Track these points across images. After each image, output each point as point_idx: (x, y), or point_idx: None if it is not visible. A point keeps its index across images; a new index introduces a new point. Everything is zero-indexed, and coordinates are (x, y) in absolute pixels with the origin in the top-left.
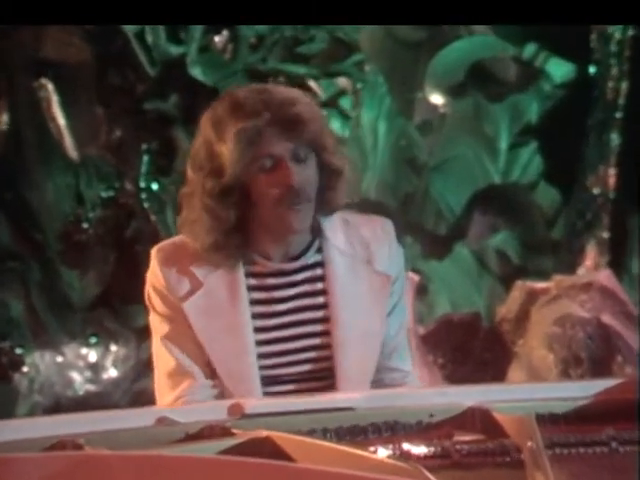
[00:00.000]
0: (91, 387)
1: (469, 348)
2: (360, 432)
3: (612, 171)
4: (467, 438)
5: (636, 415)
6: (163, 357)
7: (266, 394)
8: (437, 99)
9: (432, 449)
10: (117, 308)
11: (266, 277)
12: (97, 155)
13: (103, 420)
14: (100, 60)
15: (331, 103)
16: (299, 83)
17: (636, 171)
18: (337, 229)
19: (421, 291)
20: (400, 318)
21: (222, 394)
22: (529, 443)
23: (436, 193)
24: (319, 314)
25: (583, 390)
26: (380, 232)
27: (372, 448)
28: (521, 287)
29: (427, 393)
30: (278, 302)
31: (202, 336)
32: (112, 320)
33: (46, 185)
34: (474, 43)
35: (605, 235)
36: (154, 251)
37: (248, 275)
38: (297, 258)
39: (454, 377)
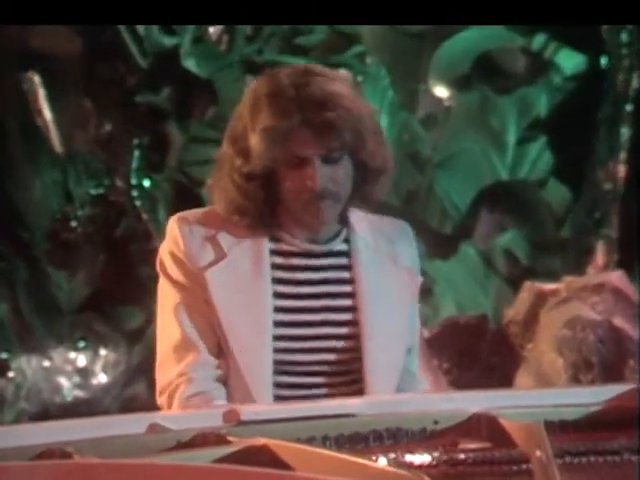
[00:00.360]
0: (80, 393)
1: (475, 352)
2: (361, 440)
3: (622, 167)
4: (473, 446)
5: (636, 423)
6: (170, 327)
7: (279, 384)
8: (442, 92)
9: (436, 457)
10: (107, 310)
11: (291, 256)
12: (86, 150)
13: (92, 427)
14: (89, 51)
15: None
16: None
17: None
18: (363, 223)
19: (425, 293)
20: (416, 319)
21: (226, 376)
22: (538, 452)
23: (441, 190)
24: (345, 302)
25: (594, 396)
26: (402, 232)
27: (374, 456)
28: (530, 288)
29: (431, 399)
30: (302, 284)
31: (220, 308)
32: (102, 323)
33: (33, 182)
34: (480, 33)
35: (614, 234)
36: (175, 218)
37: (273, 253)
38: (324, 243)
39: (459, 382)
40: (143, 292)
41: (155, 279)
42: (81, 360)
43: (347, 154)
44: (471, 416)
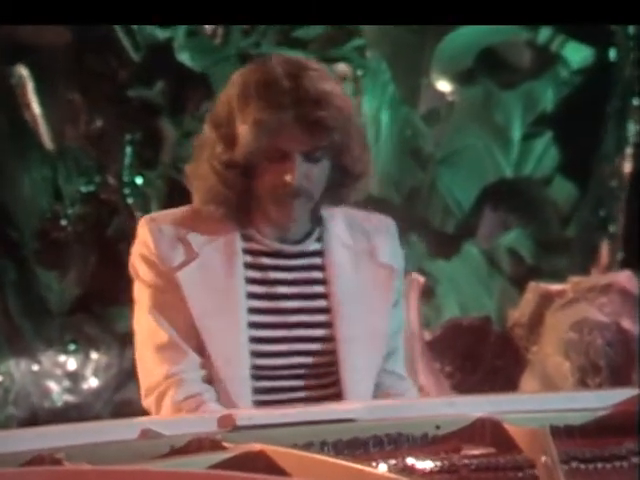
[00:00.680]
0: (70, 398)
1: (478, 355)
2: (361, 445)
3: (628, 163)
4: (476, 452)
5: (636, 428)
6: (151, 331)
7: (258, 389)
8: (444, 86)
9: (438, 464)
10: (98, 312)
11: (262, 256)
12: (76, 147)
13: (83, 433)
14: (79, 44)
15: None
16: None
17: None
18: (338, 220)
19: (427, 293)
20: (399, 318)
21: (210, 375)
22: (543, 457)
23: (443, 188)
24: (319, 304)
25: (601, 400)
26: (382, 226)
27: (373, 463)
28: (535, 289)
29: (433, 403)
30: (275, 284)
31: (195, 309)
32: (93, 325)
33: (21, 179)
34: (484, 26)
35: (619, 232)
36: (144, 220)
37: (245, 252)
38: (296, 243)
39: (462, 386)
40: None
41: None
42: (71, 363)
43: (328, 155)
44: (474, 421)
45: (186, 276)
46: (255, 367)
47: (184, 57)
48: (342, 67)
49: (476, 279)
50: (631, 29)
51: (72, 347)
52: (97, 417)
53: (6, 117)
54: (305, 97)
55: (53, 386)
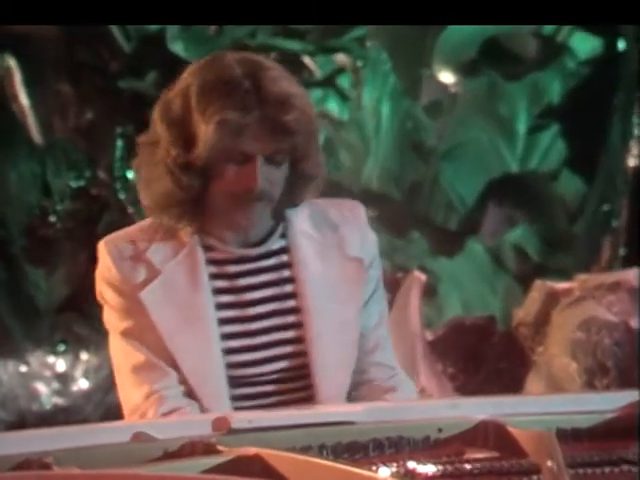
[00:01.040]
0: (59, 400)
1: (482, 355)
2: (360, 449)
3: (633, 158)
4: (479, 456)
5: (636, 433)
6: (126, 354)
7: (235, 397)
8: (447, 77)
9: (440, 468)
10: (88, 311)
11: (227, 264)
12: (66, 140)
13: (73, 436)
14: (69, 33)
15: (328, 82)
16: (293, 60)
17: None
18: (302, 213)
19: (429, 292)
20: (379, 307)
21: (189, 392)
22: (549, 462)
23: (446, 182)
24: (289, 304)
25: (609, 402)
26: (349, 215)
27: (374, 467)
28: (541, 287)
29: (435, 405)
30: (243, 291)
31: (162, 329)
32: (83, 325)
33: (8, 174)
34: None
35: (621, 227)
36: (102, 244)
37: (208, 263)
38: (259, 244)
39: (465, 388)
40: None
41: None
42: (61, 364)
43: (288, 158)
44: (478, 424)
45: (150, 295)
46: (231, 377)
47: (177, 47)
48: (341, 58)
49: (480, 277)
50: None
51: (61, 347)
52: (87, 420)
53: None
54: (268, 98)
55: (42, 388)
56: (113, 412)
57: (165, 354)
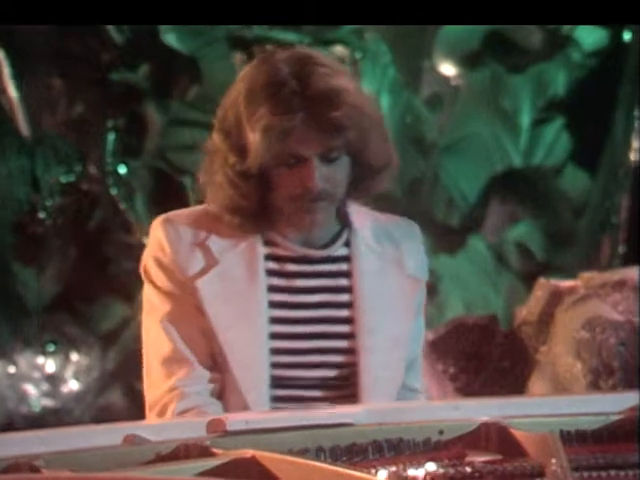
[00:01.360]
0: (49, 402)
1: (484, 355)
2: (359, 451)
3: (634, 152)
4: (482, 458)
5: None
6: (158, 340)
7: (275, 398)
8: (448, 70)
9: (441, 471)
10: (79, 311)
11: (287, 262)
12: (55, 134)
13: (63, 438)
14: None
15: None
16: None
17: None
18: (366, 224)
19: (430, 291)
20: (420, 330)
21: (222, 390)
22: (552, 465)
23: (447, 178)
24: (342, 313)
25: (615, 404)
26: (409, 233)
27: (373, 470)
28: (544, 286)
29: (436, 407)
30: (299, 292)
31: (214, 319)
32: (73, 325)
33: None
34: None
35: (621, 223)
36: (159, 221)
37: (268, 258)
38: (322, 248)
39: (467, 389)
40: (119, 290)
41: (133, 275)
42: (50, 365)
43: (346, 153)
44: (480, 426)
45: (205, 285)
46: (274, 378)
47: (170, 39)
48: (339, 49)
49: (482, 275)
50: None
51: (51, 348)
52: (78, 422)
53: None
54: (315, 97)
55: (31, 389)
56: (104, 414)
57: (201, 348)
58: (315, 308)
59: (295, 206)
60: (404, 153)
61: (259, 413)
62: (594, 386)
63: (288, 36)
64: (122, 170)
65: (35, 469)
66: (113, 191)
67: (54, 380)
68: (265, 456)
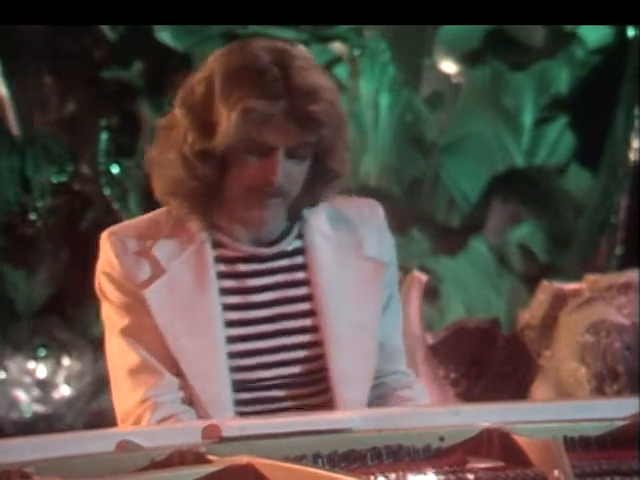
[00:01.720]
0: (40, 408)
1: (486, 360)
2: (358, 458)
3: (634, 152)
4: (483, 465)
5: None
6: (123, 354)
7: (239, 402)
8: (449, 67)
9: (442, 478)
10: (71, 314)
11: (237, 263)
12: (47, 133)
13: (55, 445)
14: None
15: None
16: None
17: None
18: (320, 212)
19: (431, 293)
20: (396, 315)
21: (190, 397)
22: (556, 472)
23: (448, 178)
24: (302, 307)
25: (620, 409)
26: (368, 214)
27: (372, 477)
28: (547, 288)
29: (437, 413)
30: (253, 292)
31: (165, 330)
32: (65, 328)
33: None
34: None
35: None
36: (105, 235)
37: (217, 260)
38: (273, 244)
39: (468, 394)
40: None
41: None
42: (41, 370)
43: (311, 153)
44: (481, 432)
45: (153, 294)
46: (237, 381)
47: (164, 36)
48: (337, 47)
49: (483, 278)
50: None
51: (42, 352)
52: (69, 429)
53: None
54: (297, 88)
55: (21, 395)
56: (96, 420)
57: (165, 356)
58: (271, 306)
59: (249, 198)
60: (404, 153)
61: (255, 419)
62: (598, 391)
63: (285, 33)
64: (115, 170)
65: (26, 476)
66: (106, 191)
67: (45, 385)
68: (261, 463)
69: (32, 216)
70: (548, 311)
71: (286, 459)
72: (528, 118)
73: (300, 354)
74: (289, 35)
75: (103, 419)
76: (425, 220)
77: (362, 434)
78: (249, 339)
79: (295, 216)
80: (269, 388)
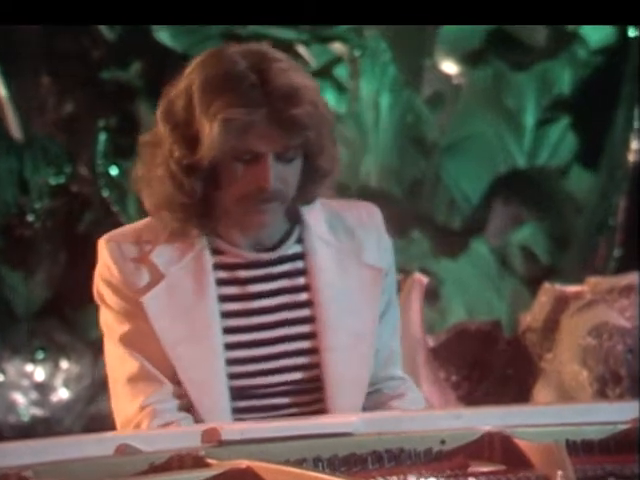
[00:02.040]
0: (38, 411)
1: (487, 363)
2: (359, 462)
3: (633, 153)
4: (485, 469)
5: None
6: (122, 361)
7: (237, 410)
8: (450, 68)
9: None
10: (69, 317)
11: (237, 269)
12: (44, 134)
13: (53, 449)
14: None
15: (324, 73)
16: (286, 50)
17: None
18: (319, 216)
19: (431, 295)
20: (393, 320)
21: (190, 404)
22: (558, 476)
23: (449, 179)
24: (302, 313)
25: (622, 413)
26: (366, 218)
27: None
28: (549, 291)
29: (438, 416)
30: (252, 298)
31: (163, 337)
32: (63, 331)
33: None
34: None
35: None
36: (103, 241)
37: (217, 267)
38: (273, 249)
39: (470, 397)
40: None
41: None
42: (39, 373)
43: (300, 154)
44: (483, 435)
45: (151, 301)
46: (234, 388)
47: (163, 36)
48: (338, 47)
49: (485, 280)
50: None
51: (40, 355)
52: (68, 432)
53: None
54: (276, 92)
55: (19, 398)
56: (95, 423)
57: (164, 363)
58: (273, 312)
59: (245, 206)
60: (405, 153)
61: (255, 423)
62: (601, 394)
63: (284, 33)
64: (114, 171)
65: None
66: (104, 193)
67: (43, 388)
68: (261, 467)
69: (30, 218)
70: (550, 313)
71: (286, 463)
72: (530, 119)
73: (298, 361)
74: (289, 35)
75: (102, 422)
76: (426, 221)
77: (363, 438)
78: (248, 346)
79: (293, 218)
80: (267, 396)
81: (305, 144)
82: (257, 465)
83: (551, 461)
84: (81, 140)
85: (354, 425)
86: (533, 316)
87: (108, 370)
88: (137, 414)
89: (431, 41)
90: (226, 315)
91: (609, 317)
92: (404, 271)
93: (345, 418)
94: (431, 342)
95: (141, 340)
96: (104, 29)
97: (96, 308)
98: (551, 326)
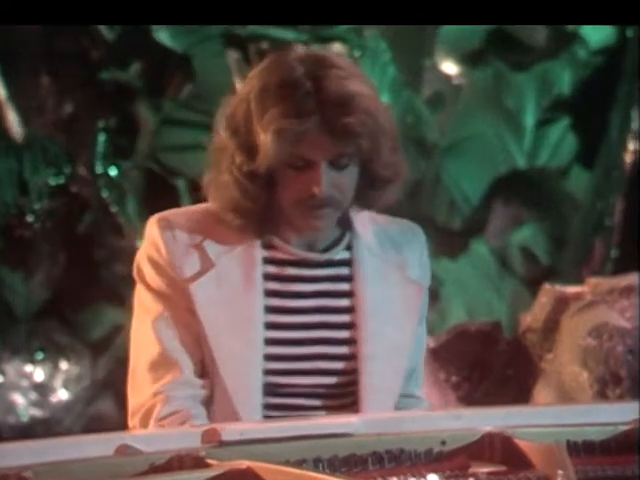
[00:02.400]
0: (37, 412)
1: (488, 363)
2: (359, 462)
3: (630, 153)
4: (485, 470)
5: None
6: (147, 343)
7: (267, 406)
8: (450, 68)
9: None
10: (68, 318)
11: (286, 265)
12: (44, 135)
13: (53, 449)
14: None
15: None
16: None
17: None
18: (367, 227)
19: (431, 296)
20: (422, 338)
21: (210, 397)
22: (559, 476)
23: (449, 180)
24: (343, 319)
25: (623, 414)
26: (411, 236)
27: None
28: (549, 291)
29: (438, 417)
30: (296, 297)
31: (207, 324)
32: (62, 332)
33: None
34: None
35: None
36: (155, 219)
37: (266, 261)
38: (323, 251)
39: (470, 398)
40: (110, 296)
41: (124, 281)
42: (39, 374)
43: (356, 161)
44: (483, 436)
45: (200, 288)
46: (268, 385)
47: (163, 36)
48: (337, 47)
49: (485, 280)
50: None
51: (40, 356)
52: (67, 433)
53: None
54: (329, 100)
55: (19, 399)
56: (94, 424)
57: (194, 352)
58: (312, 313)
59: (300, 210)
60: (405, 154)
61: (255, 423)
62: (601, 395)
63: (284, 33)
64: (113, 172)
65: None
66: (104, 193)
67: (43, 389)
68: (261, 467)
69: (30, 218)
70: (550, 314)
71: (286, 463)
72: (530, 119)
73: (334, 365)
74: (289, 35)
75: (102, 423)
76: (426, 222)
77: (363, 438)
78: (286, 343)
79: (345, 225)
80: (299, 395)
81: (359, 152)
82: (257, 465)
83: (552, 462)
84: (81, 140)
85: (354, 426)
86: (533, 317)
87: (132, 349)
88: (150, 399)
89: (431, 41)
90: (269, 310)
91: (609, 318)
92: None
93: (345, 419)
94: (431, 343)
95: (173, 325)
96: (104, 29)
97: (95, 309)
98: (551, 327)
